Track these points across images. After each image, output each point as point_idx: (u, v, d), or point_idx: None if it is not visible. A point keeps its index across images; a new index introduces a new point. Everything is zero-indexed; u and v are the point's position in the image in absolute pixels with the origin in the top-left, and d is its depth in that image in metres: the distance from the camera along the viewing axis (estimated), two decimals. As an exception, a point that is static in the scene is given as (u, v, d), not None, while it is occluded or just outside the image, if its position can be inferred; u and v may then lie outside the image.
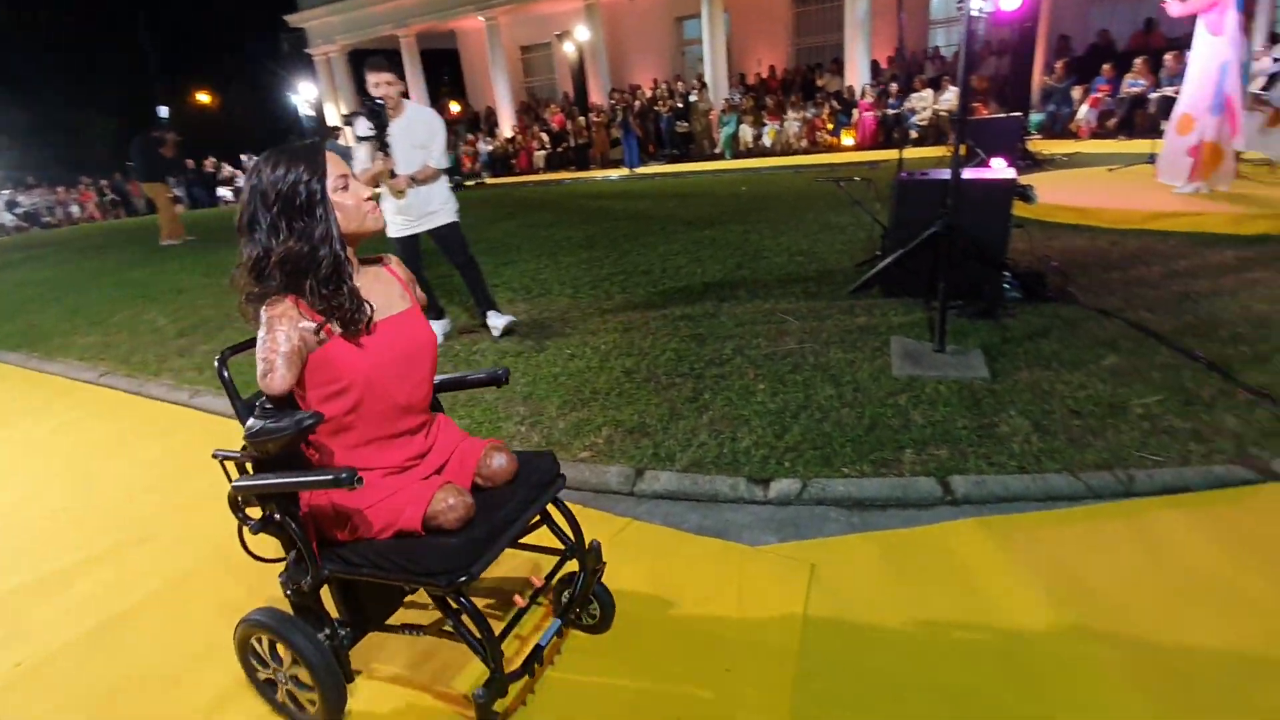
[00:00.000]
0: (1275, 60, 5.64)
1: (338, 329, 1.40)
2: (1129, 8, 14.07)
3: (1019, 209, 5.20)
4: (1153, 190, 5.33)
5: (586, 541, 1.69)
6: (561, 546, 1.67)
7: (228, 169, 20.65)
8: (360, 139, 3.46)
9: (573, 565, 1.71)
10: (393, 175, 3.50)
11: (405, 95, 3.61)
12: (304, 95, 21.04)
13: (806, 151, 13.38)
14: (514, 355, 3.67)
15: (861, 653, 1.64)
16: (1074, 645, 1.60)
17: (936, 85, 12.61)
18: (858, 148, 12.70)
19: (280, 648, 1.53)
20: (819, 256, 4.94)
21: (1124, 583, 1.78)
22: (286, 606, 1.56)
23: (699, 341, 3.56)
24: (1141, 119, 10.38)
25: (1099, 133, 10.72)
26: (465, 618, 1.42)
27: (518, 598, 1.59)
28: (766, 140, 14.02)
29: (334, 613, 1.58)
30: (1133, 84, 10.38)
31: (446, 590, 1.37)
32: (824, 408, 2.75)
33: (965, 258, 3.50)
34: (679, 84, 16.28)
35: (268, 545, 1.61)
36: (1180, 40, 10.60)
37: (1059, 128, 11.37)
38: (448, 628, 1.52)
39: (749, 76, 16.36)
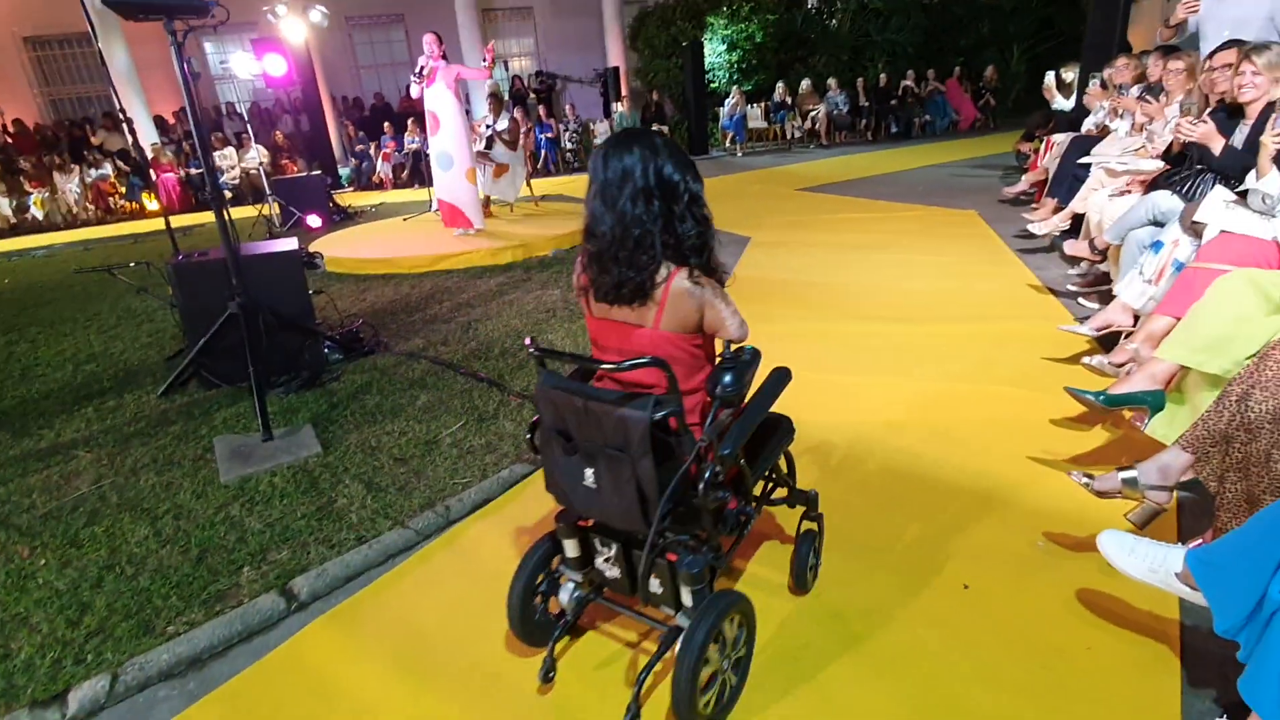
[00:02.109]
0: (488, 127, 7.20)
1: None
2: (391, 74, 16.09)
3: (355, 268, 5.27)
4: (437, 235, 6.18)
5: None
6: None
7: None
8: None
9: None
10: None
11: None
12: None
13: (102, 221, 11.00)
14: None
15: None
16: (414, 702, 1.65)
17: (240, 142, 11.97)
18: (167, 212, 11.07)
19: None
20: (118, 358, 4.04)
21: (451, 613, 1.93)
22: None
23: (-74, 531, 2.44)
24: (426, 169, 12.07)
25: (398, 183, 11.99)
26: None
27: None
28: (37, 213, 10.95)
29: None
30: (410, 141, 11.89)
31: None
32: (137, 558, 2.22)
33: (277, 331, 3.33)
34: None
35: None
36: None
37: (365, 180, 12.25)
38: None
39: (-16, 134, 12.40)
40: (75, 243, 9.03)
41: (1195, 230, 2.58)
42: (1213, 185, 2.76)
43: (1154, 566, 1.46)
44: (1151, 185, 3.13)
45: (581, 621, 1.75)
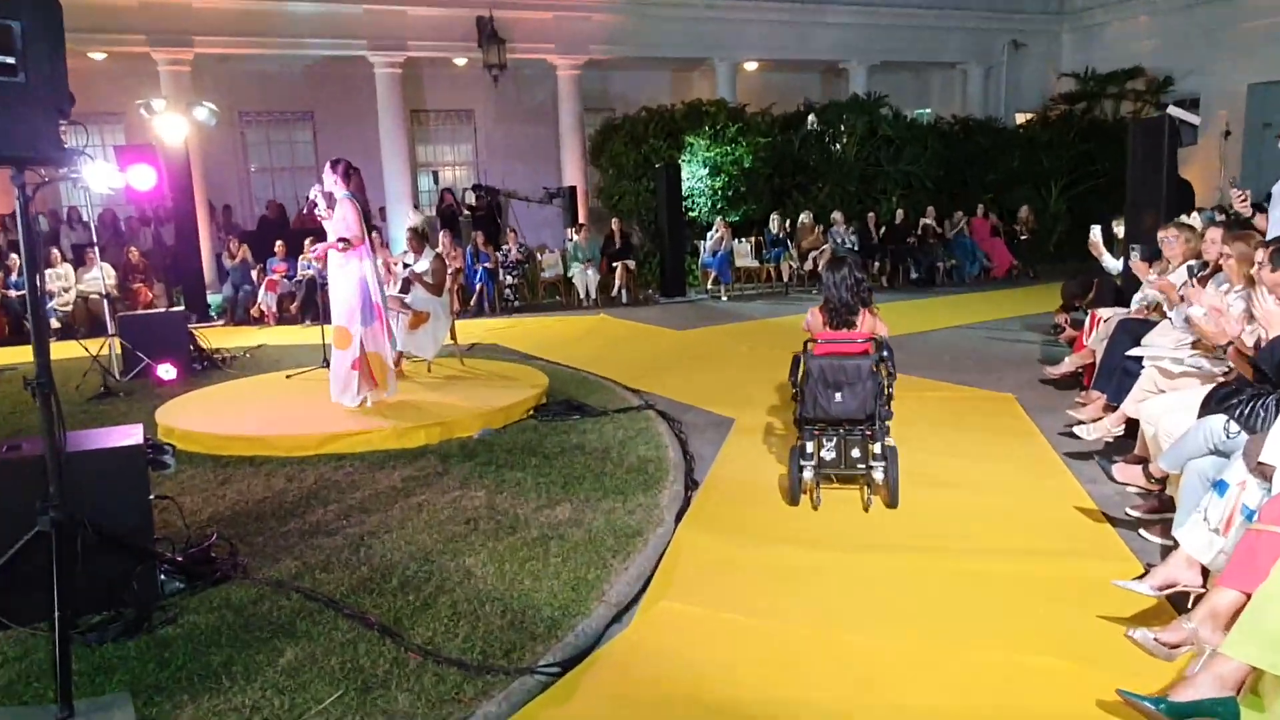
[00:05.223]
0: (405, 266, 7.60)
1: None
2: (290, 179, 16.94)
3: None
4: (332, 405, 6.28)
5: None
6: None
7: None
8: None
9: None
10: None
11: None
12: None
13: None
14: None
15: None
16: None
17: (81, 259, 12.26)
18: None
19: None
20: None
21: None
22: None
23: None
24: (324, 299, 12.40)
25: (284, 318, 12.27)
26: None
27: None
28: None
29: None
30: (308, 266, 12.29)
31: None
32: None
33: (99, 554, 3.30)
34: None
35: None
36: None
37: (242, 312, 12.50)
38: None
39: None
40: None
41: (1263, 471, 2.83)
42: (1277, 412, 3.06)
43: None
44: (1207, 402, 3.44)
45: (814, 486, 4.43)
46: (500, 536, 4.08)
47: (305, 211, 6.63)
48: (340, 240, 6.04)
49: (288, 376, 7.54)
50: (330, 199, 6.18)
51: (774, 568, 3.75)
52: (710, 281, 13.31)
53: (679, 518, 4.33)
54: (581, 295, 12.89)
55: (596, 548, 3.93)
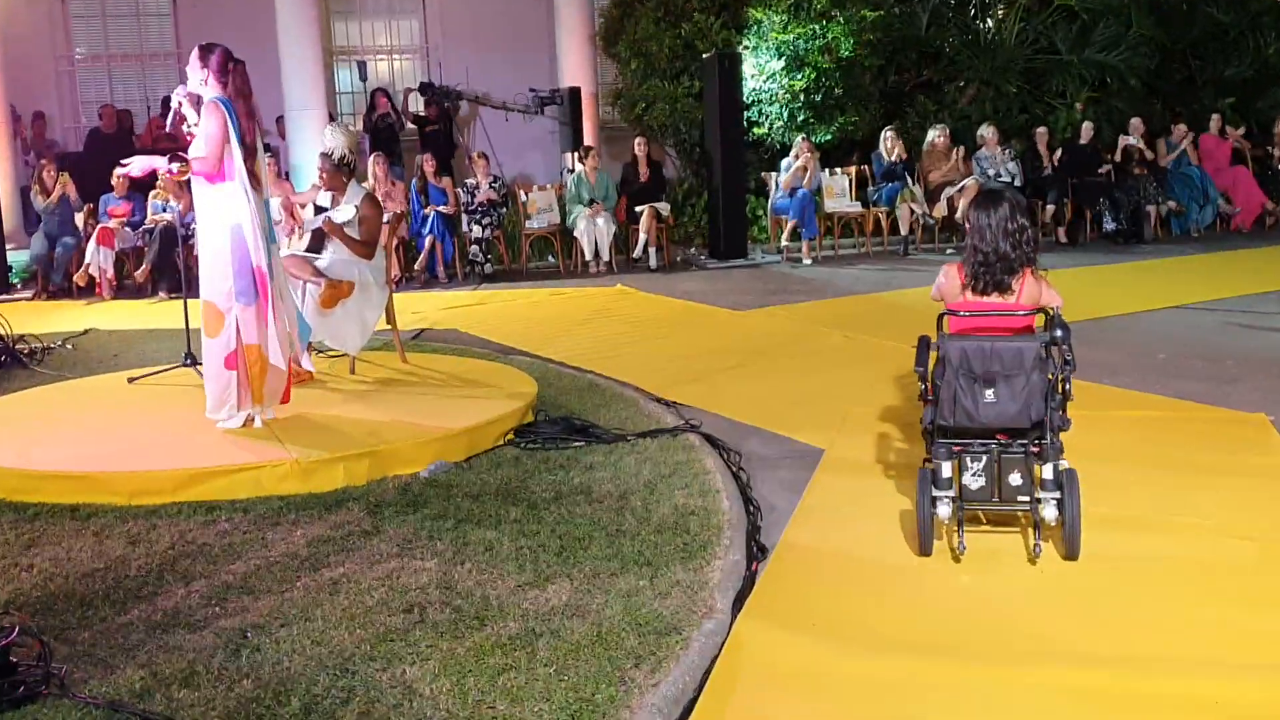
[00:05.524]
0: (317, 211, 7.59)
1: None
2: (138, 73, 17.04)
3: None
4: (199, 426, 6.33)
5: None
6: None
7: None
8: None
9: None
10: None
11: None
12: None
13: None
14: None
15: None
16: None
17: None
18: None
19: None
20: None
21: None
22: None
23: None
24: (190, 259, 12.45)
25: (125, 288, 12.33)
26: None
27: None
28: None
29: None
30: (162, 207, 12.36)
31: None
32: None
33: None
34: None
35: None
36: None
37: (61, 279, 12.63)
38: None
39: None
40: None
41: None
42: None
43: None
44: None
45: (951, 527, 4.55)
46: (460, 633, 4.05)
47: (167, 128, 6.65)
48: (174, 159, 6.06)
49: (131, 380, 7.57)
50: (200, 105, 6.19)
51: (885, 687, 3.67)
52: (787, 235, 13.27)
53: (737, 604, 4.31)
54: (588, 256, 12.96)
55: (610, 651, 3.89)
